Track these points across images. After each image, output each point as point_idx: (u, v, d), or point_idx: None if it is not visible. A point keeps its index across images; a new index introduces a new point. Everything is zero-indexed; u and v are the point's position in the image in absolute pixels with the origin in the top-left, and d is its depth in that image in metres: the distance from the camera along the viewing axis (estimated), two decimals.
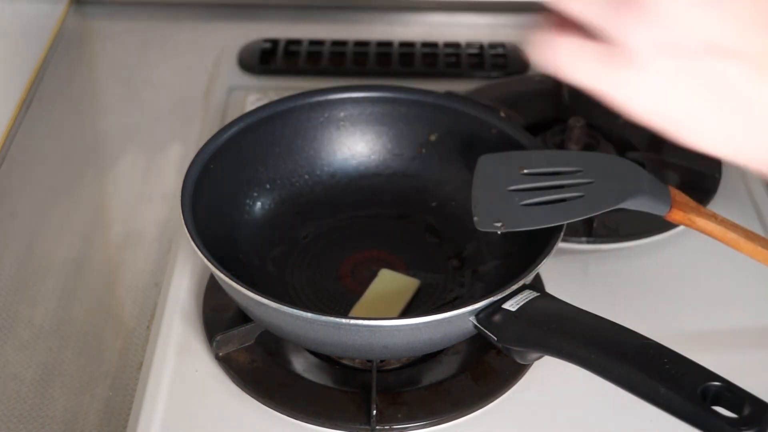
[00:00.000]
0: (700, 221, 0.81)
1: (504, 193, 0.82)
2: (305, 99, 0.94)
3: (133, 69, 1.23)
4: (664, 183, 0.83)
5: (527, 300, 0.74)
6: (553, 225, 0.79)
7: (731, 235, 0.81)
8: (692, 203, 0.82)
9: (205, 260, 0.77)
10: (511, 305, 0.73)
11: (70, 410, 0.82)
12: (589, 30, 0.57)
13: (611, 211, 0.81)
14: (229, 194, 0.90)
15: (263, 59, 1.21)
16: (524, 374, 0.81)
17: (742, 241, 0.81)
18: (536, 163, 0.84)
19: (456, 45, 1.23)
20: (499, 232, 0.81)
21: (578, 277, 0.92)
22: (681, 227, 0.94)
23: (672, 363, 0.64)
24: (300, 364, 0.82)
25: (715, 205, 0.98)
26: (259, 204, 0.93)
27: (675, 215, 0.81)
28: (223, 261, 0.78)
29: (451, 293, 0.88)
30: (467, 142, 0.94)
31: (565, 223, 0.80)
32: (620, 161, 0.84)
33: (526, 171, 0.83)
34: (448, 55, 1.23)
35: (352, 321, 0.73)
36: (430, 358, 0.83)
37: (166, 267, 0.93)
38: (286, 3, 1.35)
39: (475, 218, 0.81)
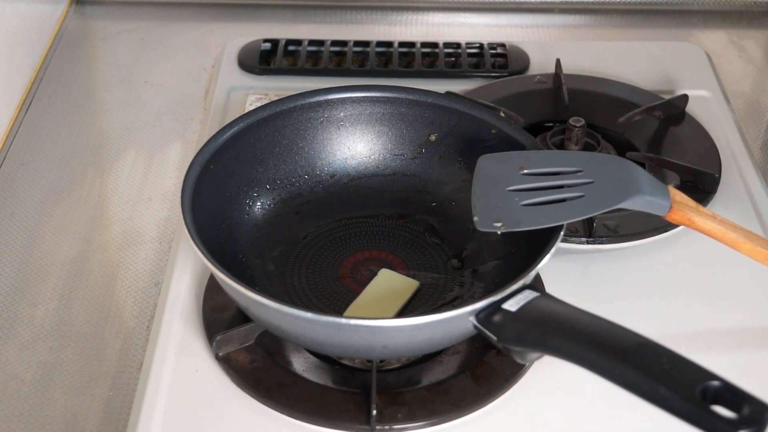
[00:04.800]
0: (700, 221, 0.81)
1: (504, 193, 0.82)
2: (305, 99, 0.94)
3: (133, 69, 1.23)
4: (664, 183, 0.83)
5: (527, 300, 0.74)
6: (553, 225, 0.79)
7: (731, 235, 0.81)
8: (692, 203, 0.82)
9: (205, 260, 0.77)
10: (511, 305, 0.73)
11: (70, 410, 0.82)
12: None
13: (611, 211, 0.81)
14: (229, 194, 0.90)
15: (263, 59, 1.21)
16: (524, 374, 0.81)
17: (742, 241, 0.81)
18: (536, 163, 0.84)
19: (456, 45, 1.23)
20: (499, 233, 0.81)
21: (578, 277, 0.92)
22: (681, 227, 0.94)
23: (671, 363, 0.64)
24: (300, 364, 0.82)
25: (715, 205, 0.98)
26: (259, 204, 0.93)
27: (674, 215, 0.81)
28: (223, 261, 0.78)
29: (451, 293, 0.88)
30: (467, 142, 0.94)
31: (565, 223, 0.80)
32: (620, 161, 0.84)
33: (526, 171, 0.83)
34: (448, 55, 1.23)
35: (352, 321, 0.73)
36: (430, 358, 0.83)
37: (166, 267, 0.93)
38: (286, 3, 1.35)
39: (475, 218, 0.81)
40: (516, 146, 0.89)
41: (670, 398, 0.62)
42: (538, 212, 0.80)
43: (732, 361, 0.81)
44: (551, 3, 1.35)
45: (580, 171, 0.83)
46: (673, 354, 0.65)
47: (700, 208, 0.82)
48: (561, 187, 0.82)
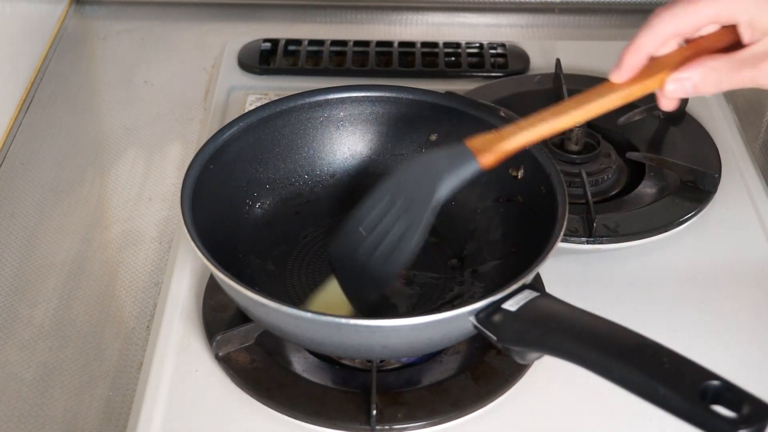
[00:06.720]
0: (509, 143, 0.76)
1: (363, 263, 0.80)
2: (305, 99, 0.94)
3: (133, 69, 1.23)
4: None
5: (527, 300, 0.74)
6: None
7: (542, 126, 0.75)
8: (489, 137, 0.77)
9: (205, 260, 0.77)
10: (511, 305, 0.73)
11: (70, 410, 0.82)
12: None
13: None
14: (229, 194, 0.90)
15: (263, 59, 1.21)
16: (524, 374, 0.81)
17: (556, 121, 0.75)
18: (363, 218, 0.81)
19: (456, 45, 1.23)
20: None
21: (578, 277, 0.92)
22: (680, 227, 0.94)
23: (671, 362, 0.64)
24: (300, 364, 0.82)
25: (715, 205, 0.98)
26: (259, 204, 0.93)
27: (486, 160, 0.77)
28: (223, 261, 0.77)
29: (451, 293, 0.88)
30: None
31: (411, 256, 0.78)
32: (412, 161, 0.82)
33: (361, 228, 0.81)
34: (448, 55, 1.23)
35: (352, 321, 0.73)
36: (430, 358, 0.83)
37: (166, 267, 0.93)
38: (286, 3, 1.35)
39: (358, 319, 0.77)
40: None
41: (670, 398, 0.62)
42: (393, 259, 0.79)
43: (732, 361, 0.81)
44: (551, 3, 1.35)
45: (389, 196, 0.80)
46: (673, 354, 0.65)
47: (501, 133, 0.77)
48: (392, 226, 0.79)
